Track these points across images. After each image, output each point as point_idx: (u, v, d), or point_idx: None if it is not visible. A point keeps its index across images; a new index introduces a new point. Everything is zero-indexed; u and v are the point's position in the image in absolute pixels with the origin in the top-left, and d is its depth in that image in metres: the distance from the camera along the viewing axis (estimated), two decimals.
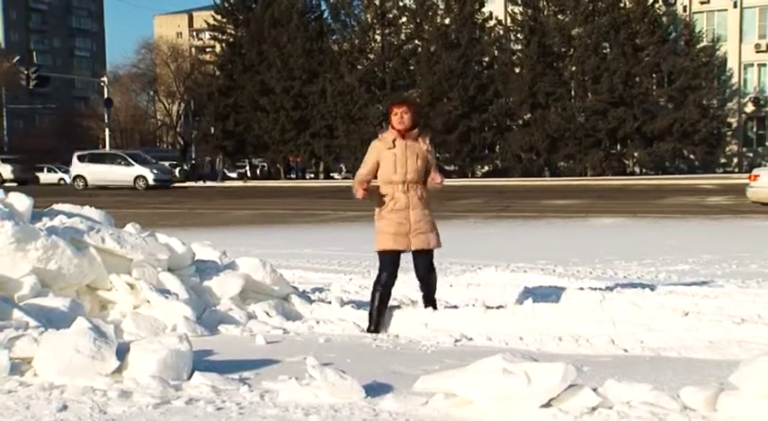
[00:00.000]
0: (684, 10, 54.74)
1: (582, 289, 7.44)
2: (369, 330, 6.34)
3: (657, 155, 51.12)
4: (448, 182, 6.97)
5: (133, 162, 42.76)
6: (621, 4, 51.64)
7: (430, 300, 6.66)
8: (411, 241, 6.27)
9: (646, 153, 51.30)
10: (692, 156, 52.52)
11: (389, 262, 6.36)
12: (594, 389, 3.73)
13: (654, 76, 52.03)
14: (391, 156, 6.26)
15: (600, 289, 7.33)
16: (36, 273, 6.04)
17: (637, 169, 53.28)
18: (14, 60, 77.22)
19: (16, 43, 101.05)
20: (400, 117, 6.30)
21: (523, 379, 3.67)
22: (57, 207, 7.14)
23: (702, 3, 55.25)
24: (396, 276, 6.45)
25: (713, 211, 20.56)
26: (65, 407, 3.87)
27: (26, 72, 55.20)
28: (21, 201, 6.69)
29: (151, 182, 41.73)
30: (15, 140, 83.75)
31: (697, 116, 49.88)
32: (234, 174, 61.24)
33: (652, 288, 7.37)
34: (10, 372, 4.38)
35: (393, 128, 6.33)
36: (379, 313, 6.41)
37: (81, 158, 43.85)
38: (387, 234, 6.27)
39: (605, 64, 50.66)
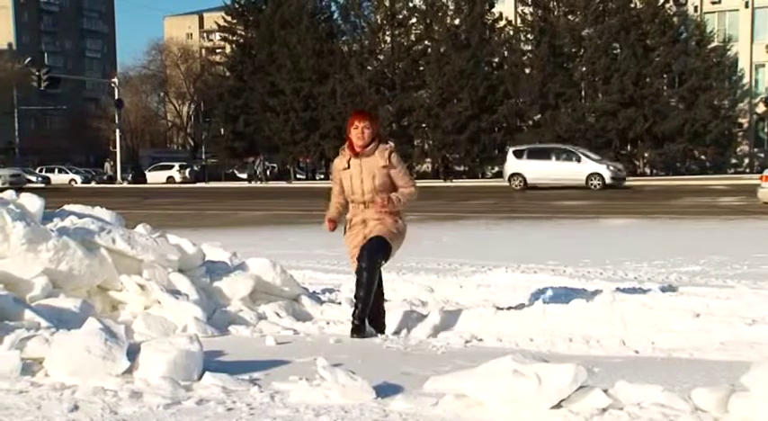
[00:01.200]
0: (695, 10, 54.60)
1: (592, 290, 7.42)
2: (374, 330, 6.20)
3: (668, 155, 51.00)
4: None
5: (585, 158, 36.56)
6: (632, 5, 51.54)
7: (359, 304, 6.03)
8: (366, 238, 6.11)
9: (656, 154, 51.18)
10: (702, 157, 52.37)
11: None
12: (605, 391, 3.72)
13: (665, 76, 51.91)
14: (347, 178, 6.12)
15: (611, 290, 7.31)
16: (47, 274, 6.06)
17: (647, 170, 53.16)
18: (26, 62, 77.61)
19: (27, 45, 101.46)
20: (360, 132, 6.03)
21: (534, 380, 3.66)
22: (68, 208, 7.16)
23: (713, 3, 55.08)
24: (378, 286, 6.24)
25: (724, 212, 20.49)
26: (76, 408, 3.88)
27: (37, 73, 55.47)
28: (32, 202, 6.71)
29: (608, 180, 35.36)
30: (26, 141, 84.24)
31: (708, 117, 49.74)
32: (244, 175, 61.32)
33: (663, 289, 7.36)
34: (21, 373, 4.39)
35: (349, 145, 6.11)
36: (376, 310, 6.21)
37: (518, 154, 37.82)
38: (352, 248, 6.17)
39: (616, 64, 50.56)
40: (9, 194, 6.84)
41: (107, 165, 67.94)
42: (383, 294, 6.38)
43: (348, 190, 6.13)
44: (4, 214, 6.09)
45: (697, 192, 30.31)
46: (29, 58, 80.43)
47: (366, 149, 6.03)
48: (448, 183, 44.41)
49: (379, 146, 6.08)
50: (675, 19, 52.58)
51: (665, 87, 52.28)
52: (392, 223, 6.09)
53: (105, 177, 65.61)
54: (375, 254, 6.01)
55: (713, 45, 52.17)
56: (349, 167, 6.08)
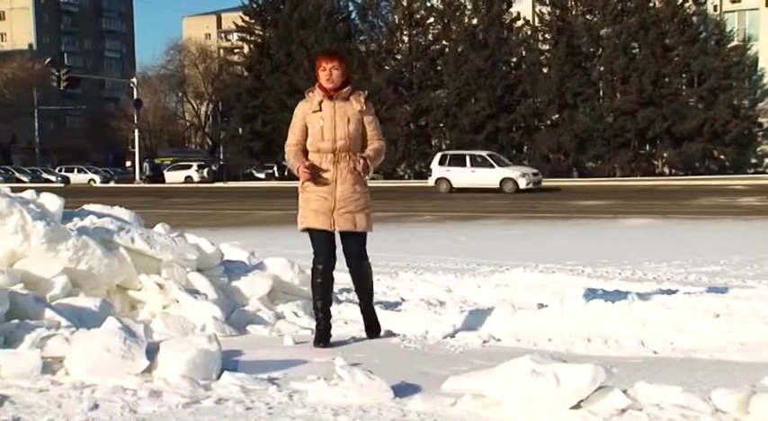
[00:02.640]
0: (715, 9, 54.30)
1: (611, 290, 7.39)
2: (317, 342, 5.55)
3: (687, 155, 50.78)
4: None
5: None
6: (651, 4, 51.38)
7: (365, 303, 5.84)
8: (335, 220, 5.41)
9: (675, 153, 50.97)
10: (722, 157, 52.07)
11: (320, 243, 5.51)
12: (624, 391, 3.70)
13: (684, 76, 51.70)
14: (317, 121, 5.42)
15: (629, 290, 7.28)
16: (67, 273, 6.08)
17: (666, 170, 52.92)
18: (46, 62, 78.05)
19: (48, 45, 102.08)
20: (329, 73, 5.43)
21: (552, 380, 3.66)
22: (87, 207, 7.19)
23: (733, 2, 54.78)
24: (334, 258, 5.60)
25: (744, 212, 20.37)
26: (96, 406, 3.91)
27: (57, 73, 55.80)
28: (52, 202, 6.75)
29: None
30: (46, 141, 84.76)
31: (727, 116, 49.50)
32: (262, 175, 61.38)
33: (682, 289, 7.31)
34: (42, 371, 4.42)
35: (320, 86, 5.50)
36: (324, 311, 5.63)
37: None
38: (307, 210, 5.46)
39: (634, 64, 50.37)
40: (29, 194, 6.88)
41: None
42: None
43: (316, 136, 5.44)
44: (24, 214, 6.13)
45: (716, 192, 30.13)
46: (49, 59, 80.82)
47: (341, 92, 5.47)
48: None
49: (354, 91, 5.55)
50: (695, 18, 52.34)
51: (684, 87, 52.07)
52: (362, 193, 5.49)
53: None
54: (365, 253, 5.70)
55: (733, 44, 51.90)
56: (321, 110, 5.45)
